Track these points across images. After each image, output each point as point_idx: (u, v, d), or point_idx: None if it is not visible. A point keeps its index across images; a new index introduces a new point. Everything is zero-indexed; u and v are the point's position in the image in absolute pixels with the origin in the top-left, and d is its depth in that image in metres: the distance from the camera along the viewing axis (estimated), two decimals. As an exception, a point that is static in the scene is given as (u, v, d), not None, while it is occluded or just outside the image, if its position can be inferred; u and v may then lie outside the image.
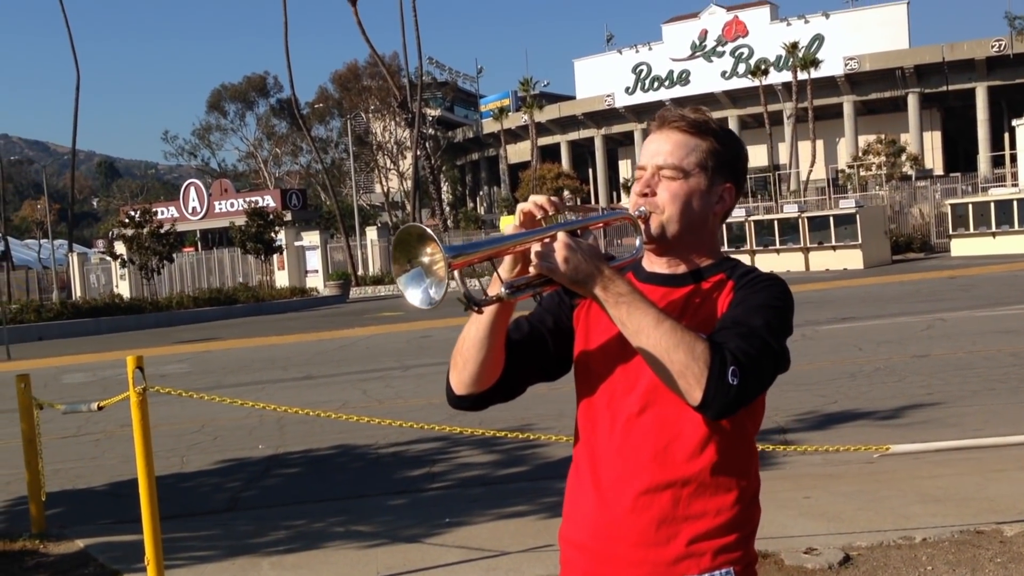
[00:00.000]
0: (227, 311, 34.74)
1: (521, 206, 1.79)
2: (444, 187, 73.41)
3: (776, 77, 60.37)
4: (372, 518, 6.40)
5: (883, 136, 55.80)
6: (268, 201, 52.13)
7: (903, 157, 54.67)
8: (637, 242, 1.93)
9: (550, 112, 70.72)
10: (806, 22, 64.48)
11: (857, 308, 18.57)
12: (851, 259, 32.77)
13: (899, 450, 5.82)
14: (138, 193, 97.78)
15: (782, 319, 1.83)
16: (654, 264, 1.96)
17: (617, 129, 71.94)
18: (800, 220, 34.21)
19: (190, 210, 57.39)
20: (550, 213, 1.77)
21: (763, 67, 57.99)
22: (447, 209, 66.20)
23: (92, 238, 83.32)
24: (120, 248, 40.83)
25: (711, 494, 1.83)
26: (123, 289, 45.95)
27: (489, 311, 1.79)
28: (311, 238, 49.59)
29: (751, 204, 45.47)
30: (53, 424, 9.72)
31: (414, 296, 1.66)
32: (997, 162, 57.87)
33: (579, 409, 1.98)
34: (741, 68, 64.29)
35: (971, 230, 33.73)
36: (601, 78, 70.64)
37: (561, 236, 1.72)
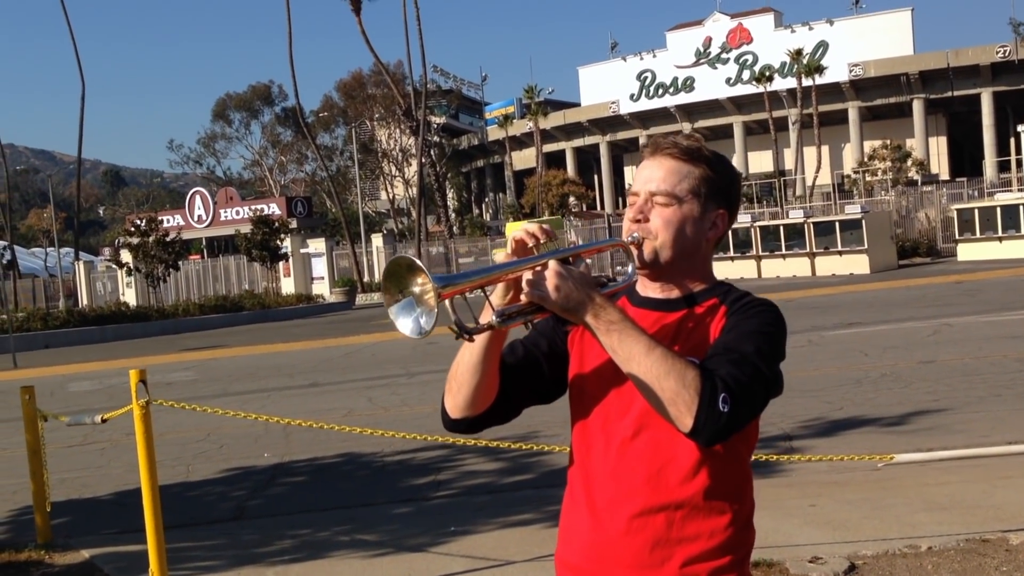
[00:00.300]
0: (233, 318, 34.78)
1: (513, 234, 1.80)
2: (449, 194, 73.55)
3: (781, 83, 60.43)
4: (377, 527, 6.40)
5: (888, 141, 55.81)
6: (273, 209, 52.25)
7: (909, 162, 54.66)
8: (630, 268, 1.95)
9: (555, 119, 70.83)
10: (810, 29, 64.53)
11: (863, 313, 18.53)
12: (857, 264, 32.72)
13: (903, 459, 5.81)
14: (144, 201, 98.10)
15: (774, 345, 1.83)
16: (648, 289, 1.97)
17: (622, 135, 72.01)
18: (806, 225, 34.17)
19: (196, 218, 57.53)
20: (542, 241, 1.78)
21: (768, 74, 58.04)
22: (452, 216, 66.27)
23: (98, 246, 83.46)
24: (126, 256, 40.88)
25: (705, 517, 1.83)
26: (129, 297, 46.00)
27: (481, 338, 1.80)
28: (316, 245, 49.62)
29: (757, 210, 45.44)
30: (59, 433, 9.72)
31: (405, 325, 1.67)
32: (1003, 167, 57.82)
33: (574, 432, 1.99)
34: (746, 75, 64.35)
35: (977, 235, 33.66)
36: (606, 85, 70.75)
37: (552, 264, 1.73)
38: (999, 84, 59.78)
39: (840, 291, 24.94)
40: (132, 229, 38.93)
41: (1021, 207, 32.88)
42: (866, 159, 56.55)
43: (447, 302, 1.64)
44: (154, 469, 4.84)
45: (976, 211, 34.31)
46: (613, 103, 69.82)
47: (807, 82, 56.32)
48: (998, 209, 33.55)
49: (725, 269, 33.08)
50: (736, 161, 63.17)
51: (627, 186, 65.52)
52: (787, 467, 7.15)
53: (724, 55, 66.97)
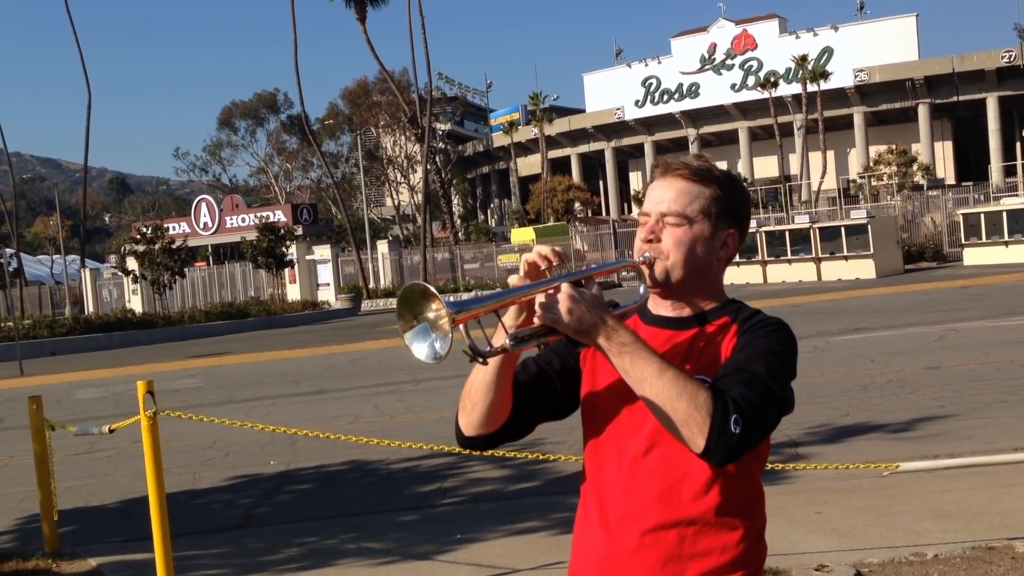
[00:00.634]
0: (239, 325, 34.80)
1: (525, 256, 1.83)
2: (455, 200, 73.53)
3: (786, 89, 60.34)
4: (384, 535, 6.41)
5: (894, 146, 55.72)
6: (279, 216, 52.33)
7: (914, 167, 54.57)
8: (641, 288, 1.96)
9: (560, 125, 70.85)
10: (815, 35, 64.47)
11: (869, 318, 18.51)
12: (863, 269, 32.69)
13: (909, 467, 5.80)
14: (150, 209, 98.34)
15: (784, 364, 1.85)
16: (659, 307, 1.99)
17: (627, 141, 71.97)
18: (812, 230, 34.15)
19: (201, 225, 57.63)
20: (554, 264, 1.80)
21: (772, 79, 57.98)
22: (458, 222, 66.23)
23: (104, 253, 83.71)
24: (132, 263, 41.00)
25: (717, 532, 1.85)
26: (135, 304, 46.10)
27: (495, 359, 1.83)
28: (322, 252, 49.69)
29: (762, 215, 45.39)
30: (66, 441, 9.74)
31: (420, 351, 1.69)
32: (1009, 171, 57.74)
33: (586, 448, 2.01)
34: (751, 81, 64.27)
35: (983, 239, 33.63)
36: (611, 91, 70.72)
37: (565, 287, 1.75)
38: (1004, 89, 59.67)
39: (846, 296, 24.91)
40: (138, 236, 39.06)
41: (1027, 212, 32.87)
42: (871, 164, 56.43)
43: (461, 327, 1.66)
44: (161, 479, 4.86)
45: (982, 215, 34.28)
46: (618, 109, 69.79)
47: (812, 88, 56.32)
48: (1004, 213, 33.52)
49: (731, 274, 33.03)
50: (741, 166, 63.18)
51: (632, 192, 65.45)
52: (793, 474, 7.14)
53: (729, 61, 66.91)
